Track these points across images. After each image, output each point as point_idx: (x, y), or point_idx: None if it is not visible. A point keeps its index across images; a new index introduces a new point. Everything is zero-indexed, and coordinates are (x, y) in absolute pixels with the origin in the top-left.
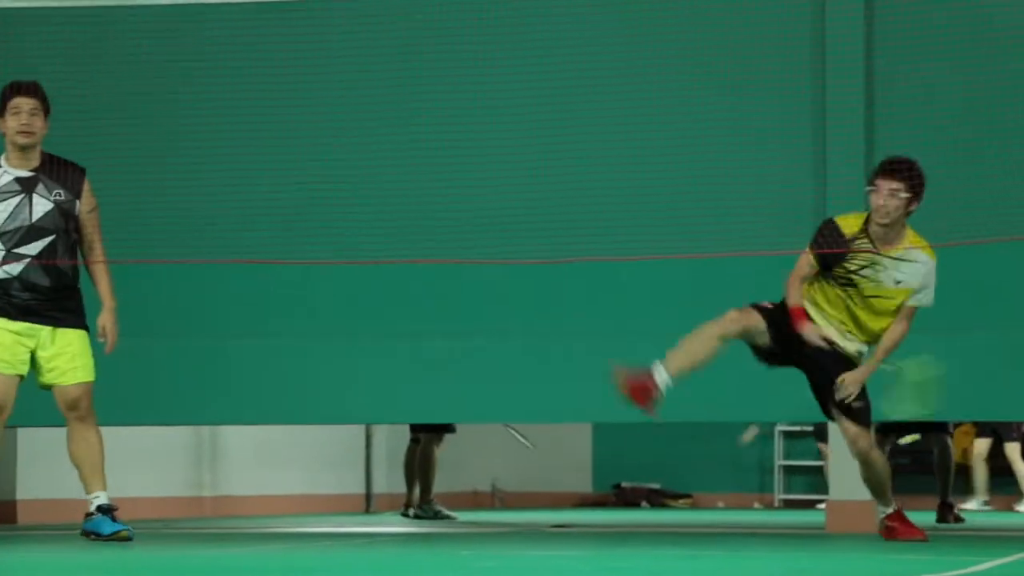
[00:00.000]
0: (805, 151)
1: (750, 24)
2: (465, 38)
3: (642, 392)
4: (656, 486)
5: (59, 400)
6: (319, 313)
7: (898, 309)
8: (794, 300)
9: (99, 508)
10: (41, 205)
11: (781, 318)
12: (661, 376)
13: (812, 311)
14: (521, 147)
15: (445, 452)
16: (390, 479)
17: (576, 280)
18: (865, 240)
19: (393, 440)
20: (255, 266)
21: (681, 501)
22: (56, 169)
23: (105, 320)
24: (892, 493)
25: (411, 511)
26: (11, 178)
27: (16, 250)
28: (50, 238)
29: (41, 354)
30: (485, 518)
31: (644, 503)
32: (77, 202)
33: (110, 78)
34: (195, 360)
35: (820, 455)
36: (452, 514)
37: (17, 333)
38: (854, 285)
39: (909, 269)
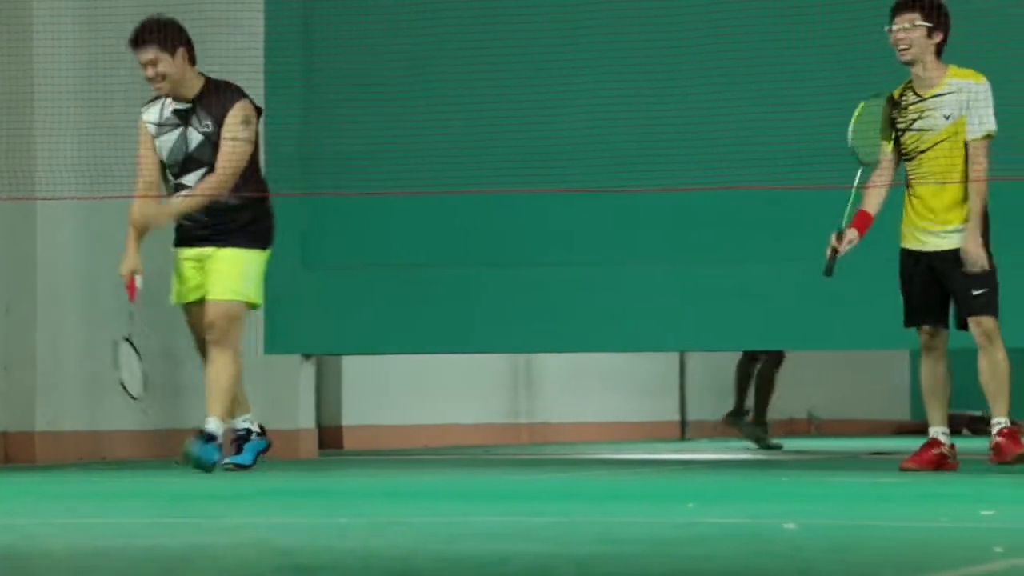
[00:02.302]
0: None
1: None
2: None
3: None
4: (978, 413)
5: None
6: (634, 240)
7: (964, 159)
8: (865, 205)
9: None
10: (195, 138)
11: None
12: None
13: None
14: None
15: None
16: (705, 406)
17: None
18: (910, 93)
19: (707, 366)
20: (578, 196)
21: None
22: (212, 97)
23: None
24: None
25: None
26: (170, 111)
27: (178, 181)
28: (203, 170)
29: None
30: (801, 445)
31: (965, 431)
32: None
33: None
34: (512, 288)
35: None
36: (777, 443)
37: (189, 259)
38: (917, 156)
39: (951, 99)
